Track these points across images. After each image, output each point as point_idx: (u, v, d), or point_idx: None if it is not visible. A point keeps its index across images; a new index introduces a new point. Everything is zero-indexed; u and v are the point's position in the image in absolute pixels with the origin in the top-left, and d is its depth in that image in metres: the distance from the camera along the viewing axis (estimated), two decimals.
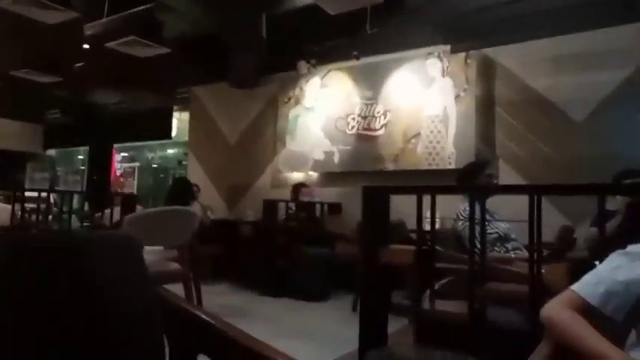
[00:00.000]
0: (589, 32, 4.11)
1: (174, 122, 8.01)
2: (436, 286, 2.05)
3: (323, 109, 5.69)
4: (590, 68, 4.21)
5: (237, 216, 5.78)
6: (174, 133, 8.05)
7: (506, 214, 2.84)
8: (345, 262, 4.07)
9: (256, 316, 3.73)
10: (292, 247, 4.56)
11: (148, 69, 5.94)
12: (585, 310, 1.03)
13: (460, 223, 2.81)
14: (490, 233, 3.01)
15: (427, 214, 3.27)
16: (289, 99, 5.97)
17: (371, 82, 5.34)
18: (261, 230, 4.76)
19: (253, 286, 4.62)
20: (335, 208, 5.35)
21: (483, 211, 1.90)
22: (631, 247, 1.10)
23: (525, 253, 2.00)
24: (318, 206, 5.34)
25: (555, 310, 1.06)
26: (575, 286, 1.09)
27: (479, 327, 1.59)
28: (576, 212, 3.80)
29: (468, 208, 2.02)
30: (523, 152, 4.50)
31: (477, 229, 2.91)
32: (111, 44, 4.83)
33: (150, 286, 1.09)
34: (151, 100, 7.59)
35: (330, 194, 5.47)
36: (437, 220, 3.59)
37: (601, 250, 1.36)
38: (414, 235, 2.85)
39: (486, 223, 3.02)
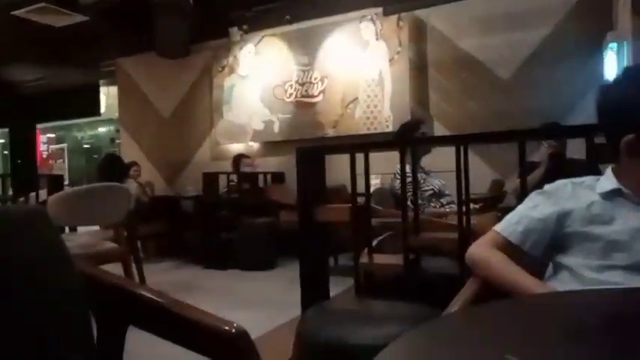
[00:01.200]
0: None
1: (103, 98, 7.55)
2: (375, 242, 2.10)
3: (259, 77, 5.56)
4: (514, 28, 4.37)
5: (177, 192, 5.61)
6: (103, 109, 7.59)
7: (440, 170, 2.95)
8: (291, 229, 4.08)
9: (203, 290, 3.69)
10: (236, 218, 4.51)
11: (67, 41, 5.50)
12: (507, 247, 1.08)
13: (397, 181, 2.88)
14: (425, 190, 3.13)
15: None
16: (223, 68, 5.77)
17: (306, 47, 5.26)
18: (203, 204, 4.66)
19: (199, 261, 4.55)
20: (278, 178, 5.32)
21: (415, 165, 1.94)
22: (547, 186, 1.15)
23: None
24: (260, 177, 5.29)
25: (479, 249, 1.11)
26: (497, 227, 1.14)
27: (413, 275, 1.65)
28: (506, 166, 4.00)
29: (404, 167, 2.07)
30: (455, 111, 4.65)
31: (414, 186, 3.02)
32: (19, 12, 4.39)
33: (69, 261, 1.02)
34: (74, 75, 7.07)
35: (272, 164, 5.42)
36: (377, 180, 3.69)
37: (525, 195, 1.44)
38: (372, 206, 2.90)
39: (422, 180, 3.17)
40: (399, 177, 2.93)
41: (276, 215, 4.62)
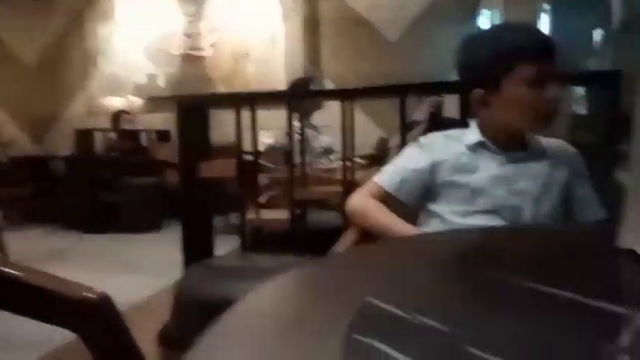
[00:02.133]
0: None
1: None
2: (263, 199, 2.07)
3: (141, 26, 5.06)
4: None
5: (45, 150, 5.00)
6: None
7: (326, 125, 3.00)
8: (177, 190, 3.89)
9: (79, 256, 3.40)
10: (117, 179, 4.17)
11: None
12: (384, 197, 1.12)
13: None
14: (315, 147, 3.17)
15: (262, 138, 3.27)
16: (99, 13, 5.14)
17: None
18: (77, 164, 4.22)
19: (76, 226, 4.16)
20: (164, 136, 4.99)
21: (303, 120, 1.92)
22: (422, 139, 1.21)
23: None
24: (144, 134, 4.92)
25: (357, 199, 1.13)
26: (375, 177, 1.17)
27: (299, 229, 1.66)
28: (391, 124, 4.18)
29: (295, 125, 2.04)
30: (347, 71, 4.70)
31: (305, 144, 3.03)
32: None
33: None
34: None
35: (157, 121, 5.05)
36: (271, 139, 3.63)
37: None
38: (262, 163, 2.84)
39: (312, 137, 3.19)
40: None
41: (162, 175, 4.37)
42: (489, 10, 3.80)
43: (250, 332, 0.42)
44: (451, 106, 3.08)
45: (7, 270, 0.87)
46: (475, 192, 1.05)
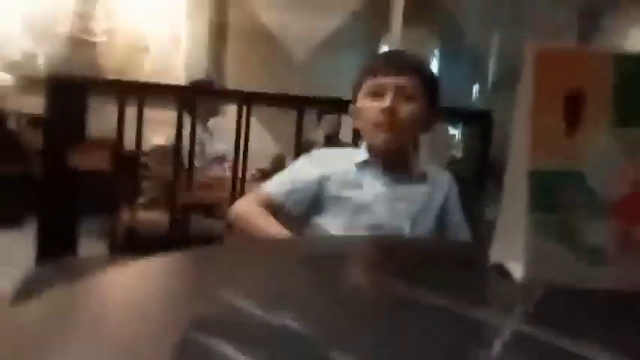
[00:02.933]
0: None
1: None
2: (143, 199, 1.92)
3: None
4: (311, 13, 4.60)
5: None
6: None
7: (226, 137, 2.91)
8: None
9: None
10: None
11: None
12: (269, 205, 1.10)
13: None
14: (210, 152, 3.06)
15: (152, 139, 3.06)
16: None
17: None
18: None
19: None
20: (39, 122, 4.45)
21: (194, 120, 1.83)
22: (313, 152, 1.23)
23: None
24: (13, 117, 4.33)
25: (242, 204, 1.10)
26: (263, 185, 1.15)
27: (177, 234, 1.56)
28: (290, 143, 4.21)
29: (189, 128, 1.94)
30: (251, 82, 4.63)
31: (197, 148, 2.90)
32: None
33: None
34: None
35: (32, 104, 4.48)
36: (163, 141, 3.41)
37: None
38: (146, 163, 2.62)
39: (206, 142, 3.08)
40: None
41: (30, 164, 3.86)
42: (388, 46, 4.08)
43: (85, 323, 0.35)
44: (348, 129, 3.22)
45: None
46: (359, 208, 1.08)
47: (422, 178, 1.15)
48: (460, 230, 1.16)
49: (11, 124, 4.34)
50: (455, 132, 4.15)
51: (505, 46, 4.30)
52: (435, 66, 4.25)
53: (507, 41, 4.23)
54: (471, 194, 1.69)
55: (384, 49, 3.98)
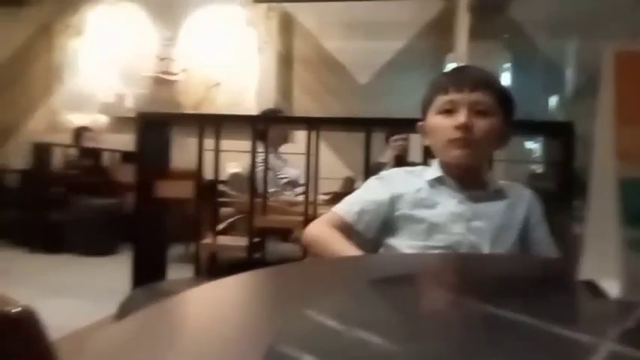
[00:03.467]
0: (375, 2, 4.52)
1: None
2: (222, 225, 2.02)
3: (113, 44, 5.02)
4: (374, 37, 4.66)
5: (1, 163, 4.77)
6: None
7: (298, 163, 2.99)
8: None
9: (25, 275, 3.20)
10: (71, 198, 3.99)
11: None
12: (342, 227, 1.10)
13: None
14: (281, 178, 3.15)
15: (229, 167, 3.23)
16: (68, 27, 5.07)
17: (169, 21, 4.91)
18: (32, 179, 4.03)
19: (22, 243, 3.92)
20: (129, 157, 4.86)
21: (267, 147, 1.91)
22: (383, 173, 1.22)
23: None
24: (107, 154, 4.78)
25: (314, 227, 1.11)
26: (335, 207, 1.16)
27: (255, 257, 1.61)
28: (359, 165, 4.23)
29: (262, 155, 2.03)
30: (316, 109, 4.78)
31: (270, 174, 3.00)
32: None
33: None
34: None
35: (122, 141, 4.92)
36: (239, 169, 3.59)
37: None
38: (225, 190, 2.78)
39: (279, 168, 3.18)
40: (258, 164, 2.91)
41: (122, 197, 4.21)
42: (455, 63, 3.99)
43: (169, 336, 0.38)
44: (418, 148, 3.18)
45: None
46: (433, 227, 1.05)
47: (499, 194, 1.10)
48: (545, 247, 1.09)
49: (105, 160, 4.79)
50: (534, 146, 3.94)
51: (581, 54, 4.05)
52: (507, 79, 4.10)
53: (583, 49, 3.99)
54: (555, 209, 1.59)
55: (450, 66, 3.90)
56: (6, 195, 4.43)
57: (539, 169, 3.61)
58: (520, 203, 1.11)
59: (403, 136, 3.44)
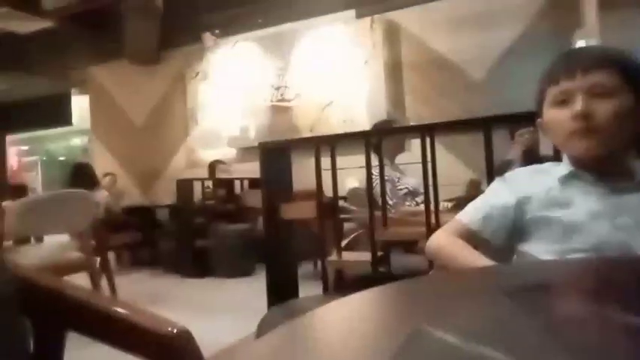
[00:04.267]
0: None
1: (75, 108, 7.38)
2: (346, 241, 2.06)
3: (234, 82, 5.50)
4: (485, 28, 4.40)
5: (152, 201, 5.49)
6: (75, 119, 7.42)
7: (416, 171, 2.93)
8: None
9: (178, 299, 3.60)
10: (212, 225, 4.42)
11: (35, 48, 5.36)
12: (467, 235, 1.04)
13: (373, 182, 2.86)
14: (400, 189, 3.11)
15: (347, 182, 3.30)
16: (197, 74, 5.70)
17: (280, 51, 5.23)
18: (178, 212, 4.56)
19: (174, 270, 4.44)
20: (255, 183, 5.25)
21: (382, 159, 1.91)
22: (508, 174, 1.13)
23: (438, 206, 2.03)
24: (237, 183, 5.21)
25: (438, 237, 1.07)
26: (458, 215, 1.11)
27: (381, 272, 1.61)
28: (482, 166, 4.01)
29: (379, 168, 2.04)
30: (431, 112, 4.66)
31: (388, 186, 2.98)
32: None
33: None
34: (43, 85, 6.90)
35: (249, 169, 5.34)
36: (357, 183, 3.65)
37: None
38: (346, 206, 2.86)
39: (397, 179, 3.15)
40: (374, 176, 2.92)
41: (254, 221, 4.54)
42: (585, 39, 3.56)
43: (300, 353, 0.40)
44: (549, 142, 2.90)
45: (100, 303, 0.95)
46: (570, 228, 0.94)
47: None
48: None
49: (237, 188, 5.23)
50: None
51: None
52: None
53: None
54: None
55: (580, 44, 3.50)
56: (158, 228, 5.07)
57: None
58: None
59: (530, 129, 3.17)
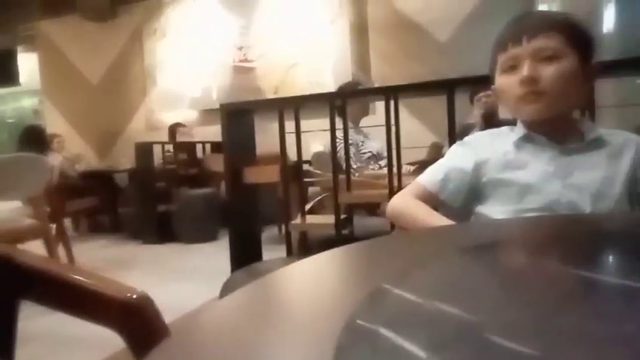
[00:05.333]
0: None
1: (24, 67, 6.92)
2: (309, 205, 2.06)
3: (194, 41, 5.28)
4: None
5: (110, 165, 5.31)
6: (23, 79, 6.98)
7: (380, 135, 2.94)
8: None
9: (140, 265, 3.55)
10: (173, 190, 4.33)
11: None
12: (427, 197, 1.06)
13: (338, 145, 2.86)
14: (364, 152, 3.13)
15: (312, 146, 3.27)
16: (155, 31, 5.43)
17: (243, 9, 5.04)
18: (138, 176, 4.43)
19: (136, 236, 4.36)
20: (218, 147, 5.15)
21: (346, 122, 1.90)
22: (467, 138, 1.16)
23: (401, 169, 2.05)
24: (199, 146, 5.10)
25: (398, 200, 1.08)
26: (419, 177, 1.12)
27: (344, 234, 1.63)
28: (445, 130, 4.07)
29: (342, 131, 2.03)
30: (396, 74, 4.64)
31: (352, 149, 2.99)
32: None
33: None
34: None
35: (211, 133, 5.23)
36: (321, 147, 3.64)
37: None
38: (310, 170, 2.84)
39: (361, 142, 3.16)
40: (337, 139, 2.91)
41: (217, 186, 4.49)
42: (546, 3, 3.61)
43: (261, 313, 0.40)
44: None
45: (56, 269, 0.92)
46: (524, 189, 0.97)
47: (598, 143, 0.98)
48: None
49: (199, 152, 5.12)
50: None
51: None
52: (613, 14, 3.63)
53: None
54: None
55: (542, 7, 3.54)
56: (117, 193, 4.92)
57: None
58: (625, 151, 0.98)
59: (488, 92, 3.22)
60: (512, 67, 0.98)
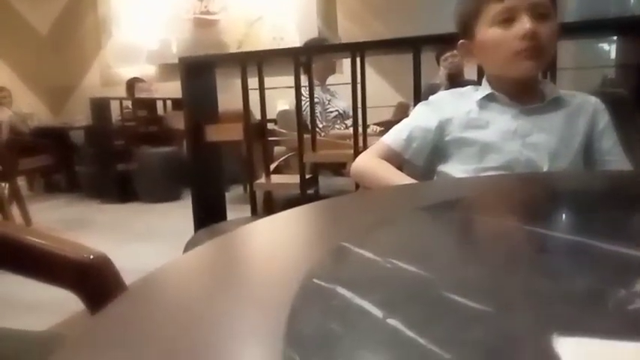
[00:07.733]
0: None
1: None
2: (274, 164, 2.05)
3: None
4: None
5: (64, 122, 5.06)
6: None
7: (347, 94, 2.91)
8: None
9: (98, 226, 3.46)
10: (133, 148, 4.19)
11: None
12: (390, 155, 1.07)
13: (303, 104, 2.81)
14: (330, 111, 3.10)
15: (278, 105, 3.20)
16: None
17: None
18: (95, 134, 4.24)
19: (94, 196, 4.23)
20: (180, 104, 4.97)
21: (311, 80, 1.86)
22: (431, 97, 1.15)
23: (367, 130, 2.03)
24: (159, 103, 4.91)
25: (362, 160, 1.08)
26: (383, 137, 1.12)
27: (309, 193, 1.63)
28: (411, 90, 4.07)
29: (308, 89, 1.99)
30: (362, 33, 4.57)
31: (318, 108, 2.95)
32: None
33: None
34: None
35: (172, 89, 5.02)
36: (287, 106, 3.59)
37: None
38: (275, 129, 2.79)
39: (327, 101, 3.12)
40: (304, 97, 2.87)
41: (179, 144, 4.37)
42: None
43: (219, 269, 0.40)
44: (473, 66, 2.98)
45: (10, 232, 0.87)
46: (486, 148, 0.99)
47: (558, 104, 1.00)
48: (614, 158, 1.00)
49: (159, 109, 4.94)
50: (607, 48, 3.56)
51: None
52: None
53: None
54: (627, 117, 1.46)
55: None
56: (73, 151, 4.72)
57: (611, 74, 3.30)
58: (582, 112, 1.01)
59: (454, 52, 3.23)
60: (507, 20, 0.94)
